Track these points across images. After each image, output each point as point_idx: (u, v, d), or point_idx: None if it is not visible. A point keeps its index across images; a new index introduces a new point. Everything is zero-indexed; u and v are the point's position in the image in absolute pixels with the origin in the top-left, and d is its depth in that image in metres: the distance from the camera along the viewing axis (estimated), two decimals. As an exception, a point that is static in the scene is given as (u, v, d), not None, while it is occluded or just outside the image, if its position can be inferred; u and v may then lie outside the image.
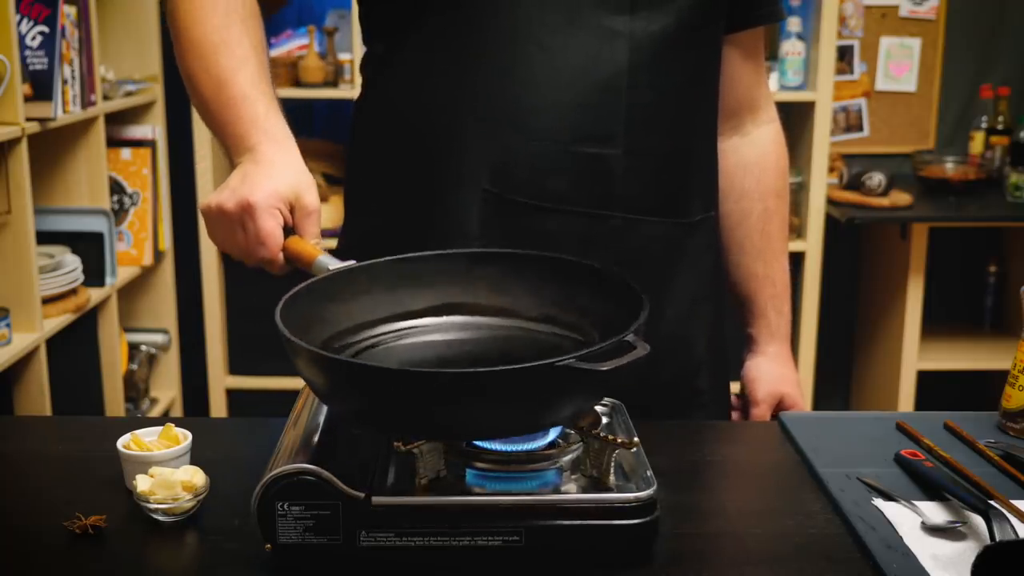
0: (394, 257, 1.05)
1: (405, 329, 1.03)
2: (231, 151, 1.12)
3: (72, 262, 2.55)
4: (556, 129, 1.18)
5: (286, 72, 3.04)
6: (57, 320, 2.45)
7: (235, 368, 3.20)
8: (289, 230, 1.07)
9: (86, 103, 2.59)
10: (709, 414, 1.33)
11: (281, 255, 1.05)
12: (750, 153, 1.40)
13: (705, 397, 1.33)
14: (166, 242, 3.09)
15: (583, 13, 1.17)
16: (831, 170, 3.21)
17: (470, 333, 1.03)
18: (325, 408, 0.98)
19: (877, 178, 3.08)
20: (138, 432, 1.02)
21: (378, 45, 1.28)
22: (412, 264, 1.04)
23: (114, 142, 2.94)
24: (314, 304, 0.96)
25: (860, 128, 3.47)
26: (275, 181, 1.06)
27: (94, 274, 2.68)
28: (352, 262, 1.03)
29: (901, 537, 0.91)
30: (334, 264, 1.02)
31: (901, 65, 3.42)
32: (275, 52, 3.12)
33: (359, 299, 1.02)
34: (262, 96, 1.13)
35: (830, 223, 3.09)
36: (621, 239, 1.21)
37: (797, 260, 3.10)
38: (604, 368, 0.81)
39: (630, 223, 1.21)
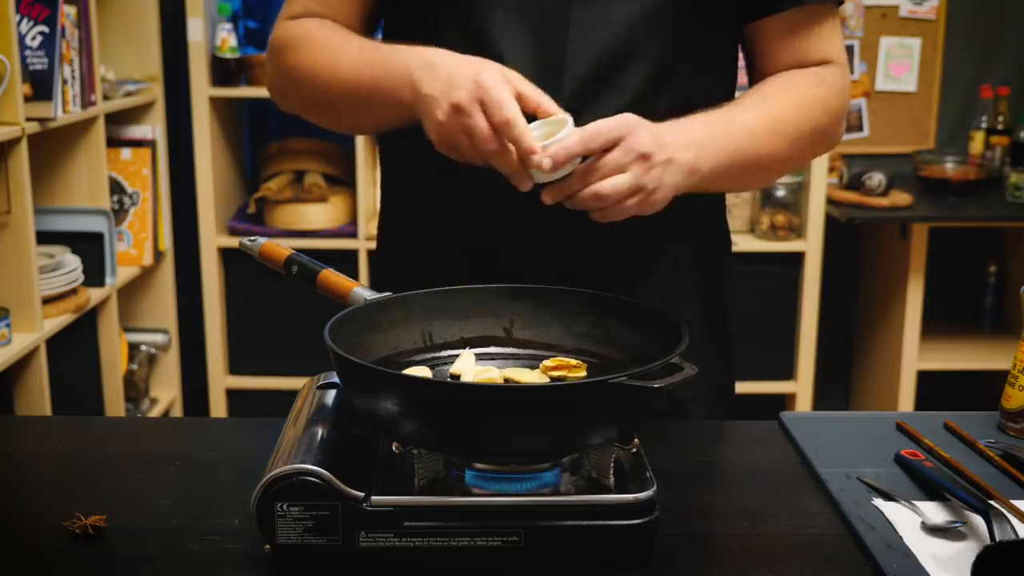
0: (428, 290, 1.07)
1: (438, 359, 1.05)
2: (401, 91, 1.08)
3: (72, 262, 2.55)
4: None
5: (286, 72, 3.04)
6: (57, 320, 2.45)
7: (235, 368, 3.20)
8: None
9: (86, 103, 2.59)
10: None
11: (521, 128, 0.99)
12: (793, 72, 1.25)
13: (689, 410, 1.24)
14: (166, 242, 3.09)
15: (533, 6, 1.13)
16: (831, 170, 3.20)
17: (501, 363, 1.05)
18: (324, 408, 0.98)
19: (877, 178, 3.07)
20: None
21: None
22: (445, 297, 1.07)
23: (114, 142, 2.94)
24: (352, 332, 0.97)
25: (860, 128, 3.47)
26: (474, 62, 1.03)
27: (94, 274, 2.68)
28: (388, 294, 1.05)
29: (901, 537, 0.91)
30: (370, 295, 1.04)
31: (901, 65, 3.42)
32: (275, 52, 3.11)
33: (394, 329, 1.04)
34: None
35: (830, 223, 3.09)
36: (584, 237, 1.16)
37: (797, 260, 3.10)
38: (656, 385, 0.83)
39: (591, 222, 1.14)
